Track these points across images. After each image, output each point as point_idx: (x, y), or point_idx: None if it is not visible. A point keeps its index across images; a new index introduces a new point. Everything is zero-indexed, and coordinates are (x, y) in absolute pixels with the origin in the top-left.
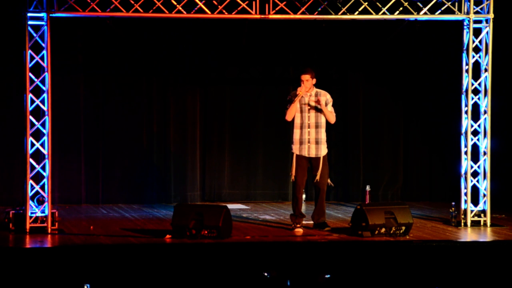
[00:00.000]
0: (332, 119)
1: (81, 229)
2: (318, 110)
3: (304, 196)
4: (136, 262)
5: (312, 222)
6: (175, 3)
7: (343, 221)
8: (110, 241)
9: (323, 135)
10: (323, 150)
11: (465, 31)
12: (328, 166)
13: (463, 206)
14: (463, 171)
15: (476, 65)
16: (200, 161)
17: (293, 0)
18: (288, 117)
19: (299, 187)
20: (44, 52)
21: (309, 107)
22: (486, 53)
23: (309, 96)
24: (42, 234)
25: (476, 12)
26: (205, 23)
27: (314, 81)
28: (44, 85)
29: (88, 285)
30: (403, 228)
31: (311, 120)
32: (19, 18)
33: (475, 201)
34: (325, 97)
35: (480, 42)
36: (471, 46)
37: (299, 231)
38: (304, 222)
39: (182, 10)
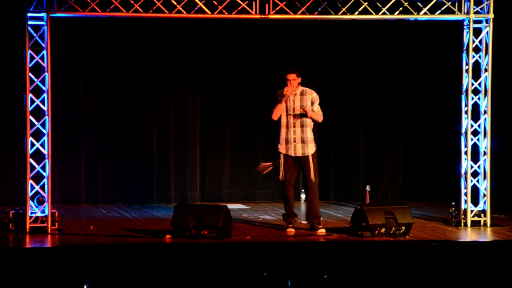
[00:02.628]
0: (319, 119)
1: (81, 229)
2: (303, 109)
3: (304, 196)
4: (136, 262)
5: (305, 222)
6: (175, 3)
7: (343, 221)
8: (110, 241)
9: (309, 134)
10: (310, 149)
11: (465, 31)
12: (317, 164)
13: (463, 206)
14: (463, 171)
15: (476, 65)
16: (200, 161)
17: (293, 0)
18: (274, 117)
19: (287, 188)
20: (44, 52)
21: (294, 106)
22: (486, 53)
23: (294, 95)
24: (42, 234)
25: (476, 12)
26: (205, 23)
27: (299, 79)
28: (44, 85)
29: (87, 285)
30: (403, 228)
31: (296, 120)
32: (19, 18)
33: (475, 201)
34: (311, 95)
35: (480, 42)
36: (471, 46)
37: (291, 231)
38: (304, 223)
39: (182, 10)
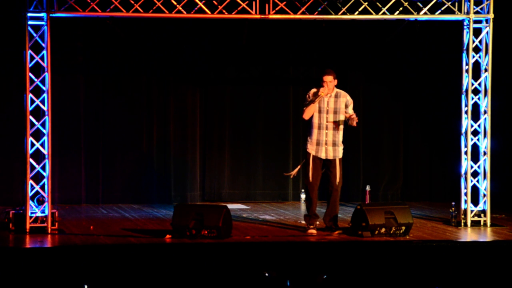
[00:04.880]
0: (355, 123)
1: (81, 229)
2: (337, 111)
3: (303, 196)
4: (136, 262)
5: (304, 222)
6: (175, 3)
7: (343, 221)
8: (110, 241)
9: (340, 137)
10: (340, 152)
11: (465, 31)
12: (342, 167)
13: (463, 206)
14: (463, 171)
15: (476, 65)
16: (200, 161)
17: (293, 0)
18: (306, 116)
19: (312, 188)
20: (44, 52)
21: (328, 108)
22: (486, 53)
23: (329, 97)
24: (42, 234)
25: (476, 12)
26: (205, 23)
27: (335, 82)
28: (44, 85)
29: (87, 286)
30: (403, 228)
31: (329, 122)
32: (19, 18)
33: (475, 201)
34: (345, 98)
35: (480, 42)
36: (471, 46)
37: (313, 232)
38: (303, 222)
39: (182, 10)
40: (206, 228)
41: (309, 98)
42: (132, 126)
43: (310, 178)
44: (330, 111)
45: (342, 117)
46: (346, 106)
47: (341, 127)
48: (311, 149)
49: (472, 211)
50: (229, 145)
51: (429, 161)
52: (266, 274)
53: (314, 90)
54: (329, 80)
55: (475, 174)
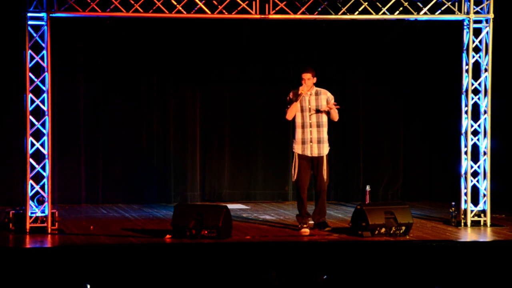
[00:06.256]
0: (336, 117)
1: (81, 229)
2: (319, 109)
3: None
4: (136, 262)
5: (312, 222)
6: (175, 3)
7: (343, 221)
8: (110, 241)
9: (325, 134)
10: (325, 149)
11: (465, 31)
12: (328, 164)
13: (463, 206)
14: (463, 171)
15: (476, 65)
16: (200, 161)
17: (293, 0)
18: (289, 117)
19: (303, 188)
20: (44, 52)
21: (310, 106)
22: (486, 53)
23: (309, 95)
24: (42, 234)
25: (476, 12)
26: (205, 23)
27: (314, 79)
28: (44, 85)
29: (88, 286)
30: (403, 228)
31: (312, 120)
32: (19, 18)
33: (475, 201)
34: (326, 95)
35: (480, 42)
36: (471, 46)
37: (306, 231)
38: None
39: (182, 10)
40: (206, 228)
41: (290, 99)
42: (132, 126)
43: (296, 176)
44: (312, 109)
45: (324, 115)
46: (328, 103)
47: (325, 124)
48: (297, 148)
49: (472, 211)
50: (229, 145)
51: (429, 161)
52: (268, 274)
53: (294, 90)
54: (308, 78)
55: (475, 174)
